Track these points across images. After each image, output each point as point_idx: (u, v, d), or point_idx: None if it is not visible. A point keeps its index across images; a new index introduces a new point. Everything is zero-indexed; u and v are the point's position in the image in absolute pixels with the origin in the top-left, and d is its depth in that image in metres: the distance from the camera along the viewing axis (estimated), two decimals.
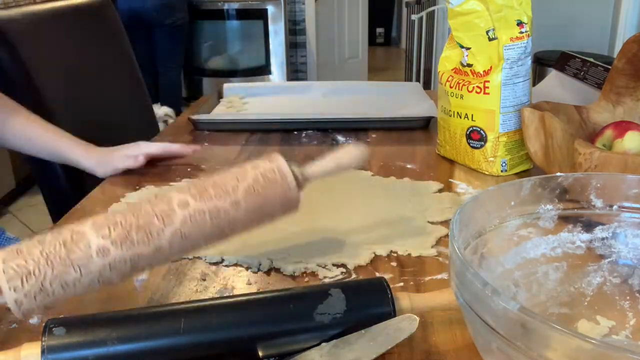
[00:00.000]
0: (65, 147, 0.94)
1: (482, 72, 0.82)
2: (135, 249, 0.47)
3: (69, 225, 0.49)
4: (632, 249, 0.50)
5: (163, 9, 3.22)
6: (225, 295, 0.56)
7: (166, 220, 0.49)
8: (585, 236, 0.51)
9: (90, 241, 0.47)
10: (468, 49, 0.83)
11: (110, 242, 0.47)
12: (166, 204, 0.50)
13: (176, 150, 0.94)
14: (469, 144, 0.87)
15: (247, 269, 0.61)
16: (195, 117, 1.10)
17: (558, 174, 0.50)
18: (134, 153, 0.90)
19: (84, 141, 0.95)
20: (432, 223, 0.70)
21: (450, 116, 0.88)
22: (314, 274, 0.60)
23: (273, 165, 0.54)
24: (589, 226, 0.51)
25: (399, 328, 0.45)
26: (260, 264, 0.62)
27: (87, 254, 0.46)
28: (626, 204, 0.50)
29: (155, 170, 0.90)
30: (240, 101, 1.28)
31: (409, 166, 0.90)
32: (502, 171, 0.85)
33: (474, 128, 0.85)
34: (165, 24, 3.28)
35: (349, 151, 0.59)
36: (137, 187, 0.83)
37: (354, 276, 0.58)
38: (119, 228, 0.48)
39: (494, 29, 0.81)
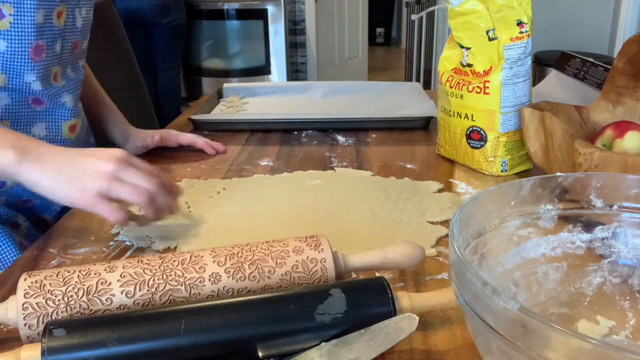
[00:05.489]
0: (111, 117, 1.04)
1: (482, 72, 0.82)
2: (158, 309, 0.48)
3: (94, 267, 0.50)
4: (632, 249, 0.50)
5: (159, 10, 3.22)
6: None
7: (193, 290, 0.49)
8: (585, 236, 0.51)
9: (114, 296, 0.48)
10: (468, 49, 0.83)
11: (133, 301, 0.48)
12: (197, 272, 0.50)
13: (201, 145, 0.98)
14: (469, 144, 0.87)
15: None
16: (195, 117, 1.10)
17: (558, 174, 0.50)
18: (154, 135, 0.99)
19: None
20: (432, 223, 0.70)
21: (450, 116, 0.88)
22: None
23: (318, 255, 0.52)
24: (589, 226, 0.51)
25: (398, 327, 0.45)
26: None
27: (107, 309, 0.47)
28: (626, 204, 0.50)
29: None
30: (240, 101, 1.28)
31: (409, 166, 0.90)
32: (502, 171, 0.85)
33: (474, 128, 0.85)
34: (162, 24, 3.28)
35: (401, 247, 0.53)
36: None
37: (354, 276, 0.58)
38: (145, 288, 0.48)
39: (494, 29, 0.81)
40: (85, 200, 0.62)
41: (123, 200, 0.64)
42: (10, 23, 0.76)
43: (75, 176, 0.63)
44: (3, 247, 0.79)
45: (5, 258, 0.79)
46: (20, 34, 0.77)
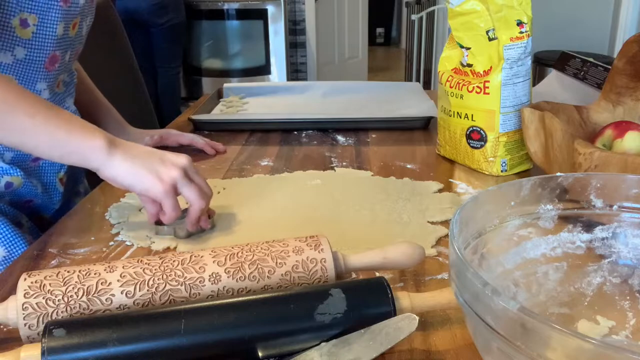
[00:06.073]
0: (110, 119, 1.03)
1: (482, 72, 0.82)
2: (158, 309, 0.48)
3: (94, 267, 0.50)
4: (632, 249, 0.50)
5: (156, 10, 3.22)
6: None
7: (193, 290, 0.49)
8: (585, 236, 0.51)
9: (114, 296, 0.48)
10: (468, 49, 0.83)
11: (133, 301, 0.48)
12: (197, 272, 0.50)
13: (201, 145, 0.99)
14: (469, 144, 0.87)
15: None
16: (195, 117, 1.10)
17: (558, 174, 0.50)
18: (154, 135, 0.99)
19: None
20: (432, 223, 0.70)
21: (450, 116, 0.88)
22: None
23: (318, 255, 0.52)
24: (589, 226, 0.51)
25: (398, 327, 0.45)
26: None
27: (107, 309, 0.47)
28: (626, 204, 0.50)
29: None
30: (240, 101, 1.28)
31: (409, 166, 0.90)
32: (502, 171, 0.85)
33: (474, 128, 0.85)
34: (160, 24, 3.28)
35: (401, 247, 0.53)
36: None
37: (354, 276, 0.58)
38: (145, 288, 0.48)
39: (494, 29, 0.81)
40: (160, 188, 0.63)
41: (185, 199, 0.65)
42: (33, 33, 0.76)
43: (153, 165, 0.64)
44: (16, 244, 0.79)
45: (16, 254, 0.79)
46: (40, 44, 0.78)
